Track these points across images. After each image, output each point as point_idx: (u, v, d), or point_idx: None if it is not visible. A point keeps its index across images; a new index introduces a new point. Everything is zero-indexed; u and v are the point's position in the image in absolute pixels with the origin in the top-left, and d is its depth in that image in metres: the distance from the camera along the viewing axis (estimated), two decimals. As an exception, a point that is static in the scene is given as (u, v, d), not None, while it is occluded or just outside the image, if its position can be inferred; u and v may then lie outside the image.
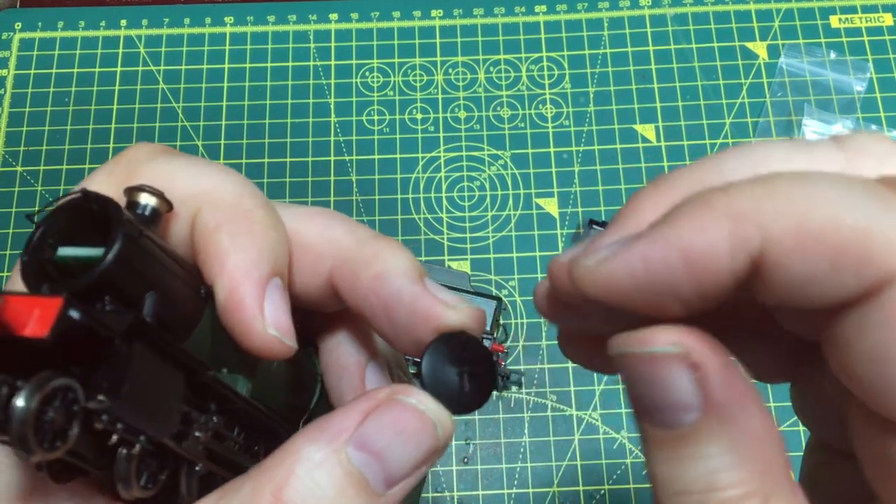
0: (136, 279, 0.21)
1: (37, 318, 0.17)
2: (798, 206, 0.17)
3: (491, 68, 0.70)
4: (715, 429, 0.18)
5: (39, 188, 0.67)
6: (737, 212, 0.17)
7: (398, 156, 0.67)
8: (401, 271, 0.24)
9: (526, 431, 0.58)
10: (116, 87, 0.70)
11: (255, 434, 0.25)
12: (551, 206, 0.65)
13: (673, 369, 0.18)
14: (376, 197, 0.66)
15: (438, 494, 0.57)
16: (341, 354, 0.28)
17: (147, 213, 0.23)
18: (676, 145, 0.67)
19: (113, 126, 0.69)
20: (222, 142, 0.68)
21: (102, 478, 0.20)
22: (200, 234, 0.23)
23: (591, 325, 0.22)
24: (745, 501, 0.18)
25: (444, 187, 0.66)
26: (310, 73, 0.70)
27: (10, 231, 0.65)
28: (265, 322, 0.23)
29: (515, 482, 0.57)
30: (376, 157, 0.67)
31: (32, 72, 0.71)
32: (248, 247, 0.23)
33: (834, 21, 0.71)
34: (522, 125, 0.68)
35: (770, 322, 0.22)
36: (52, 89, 0.70)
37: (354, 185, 0.66)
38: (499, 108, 0.69)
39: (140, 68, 0.71)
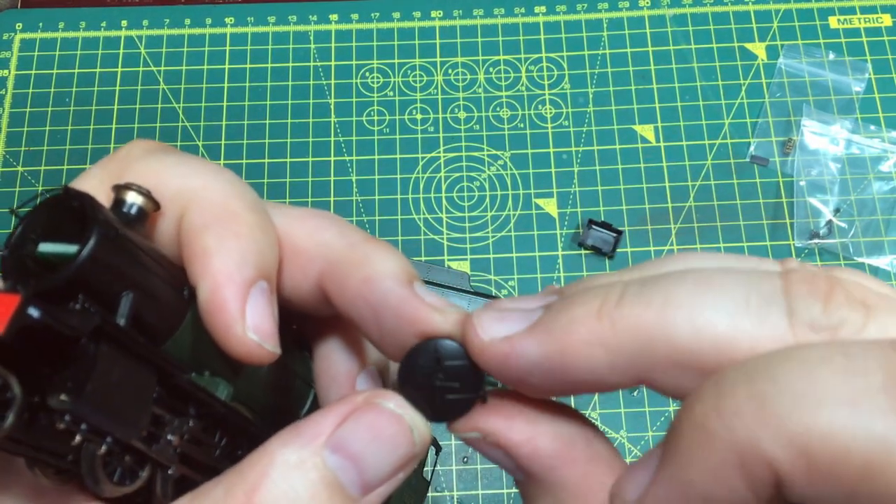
0: (112, 278, 0.20)
1: None
2: (801, 423, 0.15)
3: (490, 69, 0.70)
4: (539, 488, 0.21)
5: (40, 188, 0.67)
6: (741, 444, 0.15)
7: (398, 156, 0.67)
8: (390, 274, 0.23)
9: (525, 431, 0.58)
10: (117, 88, 0.70)
11: (238, 439, 0.25)
12: (550, 206, 0.65)
13: (489, 449, 0.21)
14: (376, 197, 0.66)
15: (438, 494, 0.57)
16: (333, 362, 0.27)
17: (133, 211, 0.22)
18: (675, 146, 0.67)
19: (114, 126, 0.69)
20: (223, 142, 0.68)
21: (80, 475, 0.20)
22: (186, 234, 0.23)
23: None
24: None
25: (443, 187, 0.66)
26: (310, 73, 0.71)
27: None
28: (246, 326, 0.22)
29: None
30: (376, 157, 0.67)
31: (33, 72, 0.71)
32: (233, 248, 0.23)
33: (833, 22, 0.71)
34: (522, 126, 0.68)
35: None
36: (52, 90, 0.70)
37: (354, 185, 0.66)
38: (498, 109, 0.69)
39: (141, 69, 0.71)
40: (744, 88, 0.69)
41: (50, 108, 0.70)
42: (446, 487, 0.57)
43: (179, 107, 0.70)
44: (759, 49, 0.70)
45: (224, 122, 0.69)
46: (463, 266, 0.64)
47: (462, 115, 0.69)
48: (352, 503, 0.21)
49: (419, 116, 0.69)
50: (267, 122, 0.69)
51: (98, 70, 0.71)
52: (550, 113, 0.68)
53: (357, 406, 0.21)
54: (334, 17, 0.73)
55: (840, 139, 0.66)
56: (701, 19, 0.71)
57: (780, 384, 0.15)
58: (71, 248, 0.20)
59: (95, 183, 0.24)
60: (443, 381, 0.21)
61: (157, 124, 0.69)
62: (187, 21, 0.73)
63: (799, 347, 0.16)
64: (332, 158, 0.67)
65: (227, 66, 0.71)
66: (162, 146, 0.25)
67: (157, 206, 0.23)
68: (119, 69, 0.71)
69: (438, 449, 0.53)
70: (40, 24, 0.73)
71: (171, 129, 0.69)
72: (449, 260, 0.64)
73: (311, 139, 0.68)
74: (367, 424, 0.21)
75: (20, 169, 0.67)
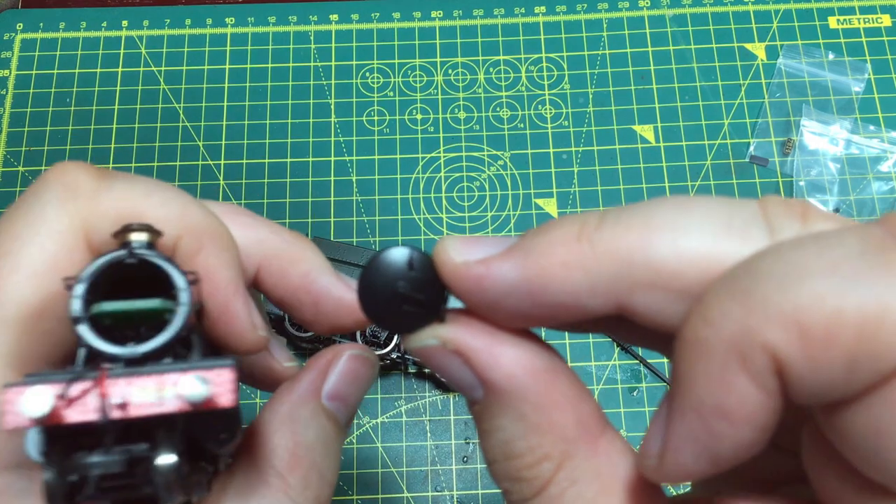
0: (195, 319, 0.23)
1: (227, 388, 0.19)
2: (787, 300, 0.15)
3: (490, 69, 0.70)
4: (500, 403, 0.20)
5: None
6: (735, 339, 0.16)
7: (398, 156, 0.67)
8: (325, 269, 0.29)
9: (525, 430, 0.58)
10: (118, 88, 0.70)
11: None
12: (550, 206, 0.66)
13: (445, 358, 0.20)
14: (376, 197, 0.66)
15: (438, 493, 0.57)
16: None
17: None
18: (675, 146, 0.67)
19: (114, 126, 0.69)
20: (223, 142, 0.68)
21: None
22: (186, 257, 0.24)
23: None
24: (539, 466, 0.19)
25: (443, 188, 0.66)
26: (310, 73, 0.71)
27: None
28: (255, 326, 0.26)
29: (514, 481, 0.57)
30: (376, 157, 0.67)
31: (34, 72, 0.71)
32: (228, 262, 0.25)
33: (832, 22, 0.71)
34: (522, 126, 0.68)
35: None
36: (53, 90, 0.70)
37: (355, 185, 0.66)
38: (498, 109, 0.69)
39: (141, 69, 0.71)
40: (743, 89, 0.69)
41: (51, 108, 0.70)
42: (446, 487, 0.57)
43: (180, 107, 0.70)
44: (758, 49, 0.70)
45: (224, 123, 0.69)
46: (463, 266, 0.64)
47: (462, 115, 0.69)
48: (344, 428, 0.28)
49: (419, 116, 0.69)
50: (267, 122, 0.69)
51: (99, 70, 0.71)
52: (550, 113, 0.69)
53: (334, 358, 0.29)
54: (334, 17, 0.73)
55: (839, 139, 0.66)
56: (700, 19, 0.71)
57: (760, 274, 0.16)
58: (146, 304, 0.21)
59: (64, 224, 0.23)
60: (406, 290, 0.21)
61: (158, 124, 0.69)
62: (188, 21, 0.73)
63: (771, 245, 0.17)
64: (333, 158, 0.67)
65: (227, 67, 0.71)
66: (100, 172, 0.25)
67: (159, 234, 0.23)
68: (120, 69, 0.71)
69: None
70: (41, 25, 0.73)
71: (172, 129, 0.69)
72: (449, 260, 0.64)
73: (311, 139, 0.68)
74: (350, 371, 0.29)
75: (21, 169, 0.68)
